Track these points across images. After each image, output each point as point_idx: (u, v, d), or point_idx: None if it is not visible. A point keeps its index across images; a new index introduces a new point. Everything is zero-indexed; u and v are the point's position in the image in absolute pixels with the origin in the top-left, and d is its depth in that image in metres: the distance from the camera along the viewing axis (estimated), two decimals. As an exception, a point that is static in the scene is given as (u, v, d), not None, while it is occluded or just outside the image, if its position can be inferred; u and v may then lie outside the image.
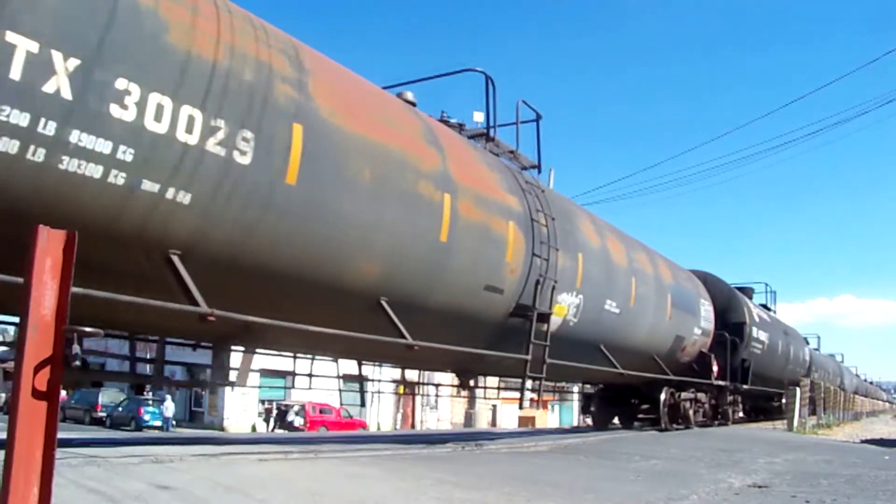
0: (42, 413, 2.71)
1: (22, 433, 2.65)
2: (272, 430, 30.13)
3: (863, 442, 16.39)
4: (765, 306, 24.24)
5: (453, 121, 8.84)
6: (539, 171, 9.82)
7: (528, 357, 8.22)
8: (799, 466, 8.78)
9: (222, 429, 30.84)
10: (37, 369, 2.73)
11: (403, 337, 6.31)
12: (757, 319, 19.34)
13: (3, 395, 33.26)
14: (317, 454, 6.71)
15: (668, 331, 12.88)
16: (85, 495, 3.80)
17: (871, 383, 67.99)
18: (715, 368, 15.06)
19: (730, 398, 17.43)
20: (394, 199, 6.15)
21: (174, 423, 31.23)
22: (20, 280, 2.82)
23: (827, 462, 9.56)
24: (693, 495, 5.83)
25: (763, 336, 19.59)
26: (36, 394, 2.71)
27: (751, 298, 21.83)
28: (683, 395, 14.37)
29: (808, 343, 30.11)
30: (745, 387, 17.43)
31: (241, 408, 32.88)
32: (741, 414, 19.80)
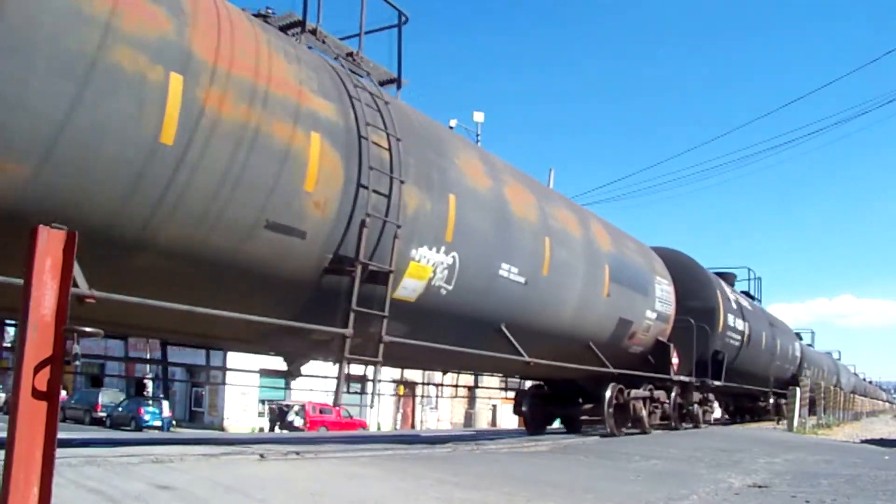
0: (42, 413, 2.72)
1: (22, 433, 2.65)
2: (271, 431, 30.19)
3: (863, 442, 16.43)
4: (748, 294, 21.80)
5: (275, 14, 6.63)
6: (399, 87, 7.54)
7: (348, 332, 5.85)
8: (799, 466, 8.78)
9: (222, 429, 30.92)
10: (37, 369, 2.74)
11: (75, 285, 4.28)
12: (733, 305, 16.76)
13: (3, 395, 33.30)
14: (317, 454, 6.70)
15: (607, 312, 10.48)
16: (85, 495, 3.80)
17: (870, 383, 68.04)
18: (675, 361, 12.78)
19: (698, 396, 14.86)
20: (49, 62, 4.07)
21: (174, 422, 31.29)
22: (20, 281, 2.83)
23: (827, 462, 9.57)
24: (693, 495, 5.84)
25: (741, 325, 17.11)
26: (36, 394, 2.72)
27: (732, 285, 19.52)
28: (635, 392, 11.90)
29: (800, 338, 28.54)
30: (716, 383, 15.18)
31: (241, 408, 32.94)
32: (717, 415, 17.45)
